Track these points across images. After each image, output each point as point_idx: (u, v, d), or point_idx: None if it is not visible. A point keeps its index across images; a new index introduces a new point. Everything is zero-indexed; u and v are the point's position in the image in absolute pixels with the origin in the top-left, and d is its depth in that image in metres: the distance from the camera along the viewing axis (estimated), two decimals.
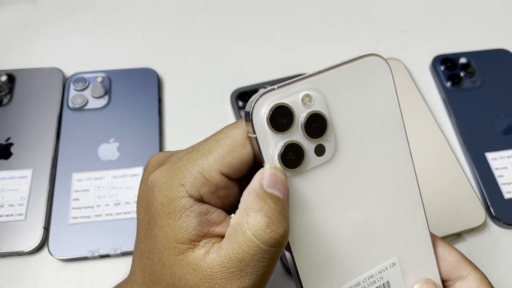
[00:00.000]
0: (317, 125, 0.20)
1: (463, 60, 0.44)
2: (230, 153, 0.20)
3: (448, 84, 0.43)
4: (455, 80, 0.43)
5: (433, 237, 0.24)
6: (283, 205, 0.19)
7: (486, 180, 0.37)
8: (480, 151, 0.39)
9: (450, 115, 0.42)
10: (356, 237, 0.22)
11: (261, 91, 0.20)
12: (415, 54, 0.46)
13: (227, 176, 0.20)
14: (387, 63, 0.21)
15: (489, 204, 0.36)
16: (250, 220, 0.19)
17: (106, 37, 0.47)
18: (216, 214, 0.21)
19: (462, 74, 0.44)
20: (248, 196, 0.19)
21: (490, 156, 0.39)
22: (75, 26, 0.48)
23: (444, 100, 0.43)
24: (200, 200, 0.20)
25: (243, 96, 0.42)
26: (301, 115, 0.20)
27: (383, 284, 0.23)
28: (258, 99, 0.19)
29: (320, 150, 0.20)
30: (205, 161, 0.20)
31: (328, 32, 0.49)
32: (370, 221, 0.22)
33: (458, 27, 0.49)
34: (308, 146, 0.20)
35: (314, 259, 0.21)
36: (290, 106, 0.19)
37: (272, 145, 0.19)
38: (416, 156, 0.38)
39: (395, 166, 0.22)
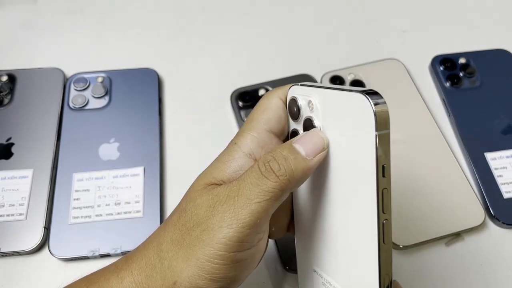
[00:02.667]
0: (311, 128, 0.23)
1: (462, 60, 0.44)
2: (265, 111, 0.25)
3: (448, 84, 0.43)
4: (455, 80, 0.43)
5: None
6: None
7: (486, 180, 0.37)
8: (480, 151, 0.39)
9: (449, 115, 0.42)
10: (328, 238, 0.24)
11: (294, 84, 0.25)
12: (415, 54, 0.46)
13: (272, 132, 0.25)
14: (372, 110, 0.19)
15: (488, 204, 0.36)
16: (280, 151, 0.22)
17: (106, 37, 0.47)
18: None
19: (461, 74, 0.44)
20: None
21: (489, 156, 0.39)
22: (75, 26, 0.48)
23: (443, 100, 0.43)
24: (251, 155, 0.24)
25: (243, 96, 0.42)
26: (304, 115, 0.24)
27: None
28: (290, 87, 0.25)
29: None
30: (251, 124, 0.25)
31: (328, 32, 0.49)
32: (333, 233, 0.23)
33: (458, 27, 0.49)
34: None
35: (306, 228, 0.26)
36: (299, 104, 0.24)
37: (289, 126, 0.26)
38: (415, 156, 0.38)
39: (356, 210, 0.21)
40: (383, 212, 0.19)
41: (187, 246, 0.22)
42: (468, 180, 0.38)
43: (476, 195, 0.37)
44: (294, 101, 0.24)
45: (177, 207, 0.24)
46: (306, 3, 0.51)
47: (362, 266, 0.21)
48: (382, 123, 0.19)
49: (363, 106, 0.19)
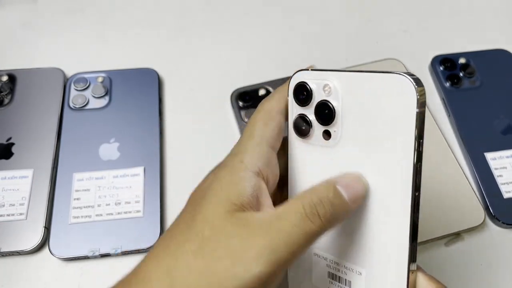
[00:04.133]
0: (327, 112, 0.22)
1: (462, 60, 0.44)
2: (268, 124, 0.24)
3: (448, 84, 0.43)
4: (455, 80, 0.43)
5: (416, 272, 0.22)
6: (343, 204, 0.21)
7: (485, 180, 0.37)
8: (480, 151, 0.39)
9: (449, 115, 0.42)
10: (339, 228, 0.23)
11: (302, 69, 0.24)
12: (415, 54, 0.46)
13: (272, 147, 0.24)
14: (414, 86, 0.20)
15: (488, 204, 0.36)
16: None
17: (106, 37, 0.47)
18: (265, 196, 0.22)
19: (461, 74, 0.44)
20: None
21: (489, 156, 0.39)
22: (75, 26, 0.48)
23: (443, 100, 0.43)
24: (259, 174, 0.22)
25: (243, 96, 0.42)
26: (317, 99, 0.23)
27: (345, 280, 0.24)
28: (295, 73, 0.24)
29: (327, 134, 0.23)
30: (255, 139, 0.23)
31: (328, 32, 0.49)
32: (347, 220, 0.23)
33: (458, 27, 0.49)
34: (318, 126, 0.23)
35: None
36: (310, 88, 0.23)
37: (293, 111, 0.24)
38: None
39: (387, 187, 0.21)
40: (416, 182, 0.21)
41: (213, 275, 0.20)
42: (468, 180, 0.38)
43: (476, 195, 0.37)
44: (303, 85, 0.23)
45: (190, 232, 0.21)
46: (305, 4, 0.51)
47: (384, 239, 0.21)
48: (422, 102, 0.20)
49: (405, 86, 0.20)
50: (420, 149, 0.21)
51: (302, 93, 0.23)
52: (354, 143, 0.22)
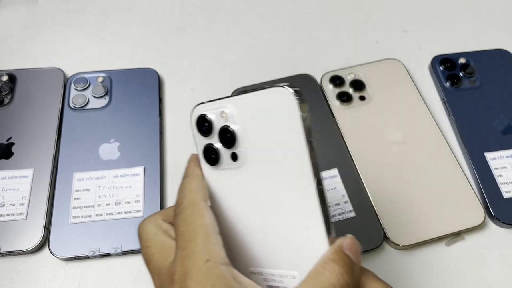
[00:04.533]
0: (229, 136, 0.24)
1: (462, 60, 0.44)
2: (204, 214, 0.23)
3: (447, 84, 0.43)
4: (454, 80, 0.43)
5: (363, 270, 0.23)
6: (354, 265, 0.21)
7: (485, 180, 0.37)
8: (480, 151, 0.39)
9: (449, 115, 0.42)
10: (260, 237, 0.24)
11: (199, 103, 0.25)
12: (414, 54, 0.46)
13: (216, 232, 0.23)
14: (294, 95, 0.22)
15: (488, 204, 0.36)
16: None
17: (106, 37, 0.47)
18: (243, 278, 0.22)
19: (461, 74, 0.44)
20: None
21: (489, 156, 0.39)
22: (76, 26, 0.48)
23: (443, 100, 0.43)
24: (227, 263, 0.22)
25: None
26: (218, 127, 0.25)
27: (282, 287, 0.24)
28: (194, 108, 0.26)
29: (234, 157, 0.24)
30: (201, 236, 0.22)
31: (328, 32, 0.49)
32: (269, 229, 0.24)
33: (458, 27, 0.49)
34: (225, 151, 0.25)
35: (229, 237, 0.25)
36: (209, 118, 0.25)
37: (200, 144, 0.25)
38: (415, 156, 0.38)
39: (294, 190, 0.23)
40: (317, 177, 0.22)
41: None
42: (468, 180, 0.38)
43: (476, 195, 0.37)
44: (203, 117, 0.25)
45: None
46: (306, 4, 0.51)
47: (304, 234, 0.23)
48: (303, 107, 0.22)
49: (284, 95, 0.22)
50: (313, 149, 0.22)
51: (204, 124, 0.25)
52: (258, 159, 0.24)
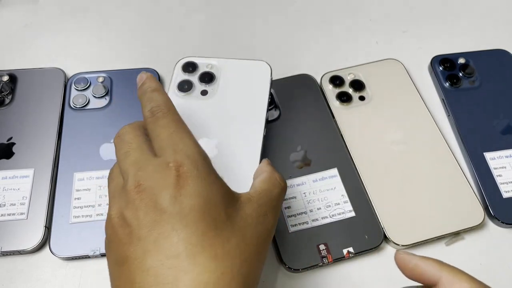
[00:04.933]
0: (207, 78, 0.35)
1: (461, 61, 0.44)
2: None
3: (447, 84, 0.43)
4: (454, 80, 0.43)
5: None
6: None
7: (485, 180, 0.38)
8: (479, 151, 0.39)
9: (449, 115, 0.42)
10: (212, 154, 0.32)
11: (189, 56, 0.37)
12: (414, 54, 0.46)
13: None
14: (271, 71, 0.35)
15: (488, 204, 0.37)
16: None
17: (107, 37, 0.48)
18: None
19: (460, 74, 0.44)
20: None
21: (488, 155, 0.39)
22: (76, 26, 0.48)
23: (443, 100, 0.43)
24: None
25: None
26: (201, 70, 0.36)
27: None
28: (184, 57, 0.37)
29: (204, 92, 0.35)
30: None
31: (328, 32, 0.49)
32: (221, 149, 0.32)
33: (458, 27, 0.49)
34: (199, 86, 0.35)
35: None
36: (197, 62, 0.36)
37: (178, 78, 0.36)
38: (414, 156, 0.39)
39: (248, 132, 0.32)
40: (266, 126, 0.33)
41: None
42: (467, 180, 0.38)
43: (475, 194, 0.37)
44: (191, 62, 0.36)
45: None
46: (306, 4, 0.51)
47: (247, 157, 0.31)
48: (271, 77, 0.35)
49: (264, 66, 0.36)
50: (270, 101, 0.34)
51: (189, 66, 0.36)
52: (224, 97, 0.34)
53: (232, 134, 0.33)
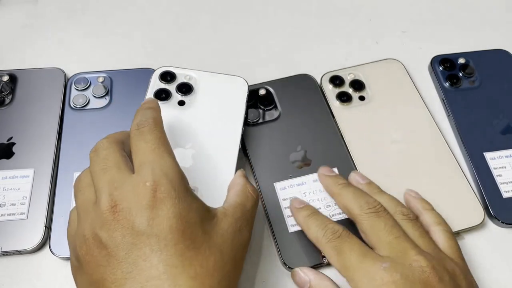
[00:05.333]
0: (185, 89, 0.38)
1: (461, 61, 0.45)
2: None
3: (447, 84, 0.43)
4: (454, 80, 0.43)
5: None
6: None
7: (485, 180, 0.38)
8: (479, 151, 0.39)
9: (449, 115, 0.42)
10: (188, 161, 0.34)
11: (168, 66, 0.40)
12: (414, 55, 0.47)
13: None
14: (247, 87, 0.38)
15: (487, 203, 0.37)
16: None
17: (107, 37, 0.48)
18: None
19: (460, 74, 0.44)
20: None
21: (488, 155, 0.39)
22: (76, 26, 0.49)
23: (443, 100, 0.43)
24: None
25: None
26: (179, 80, 0.38)
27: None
28: (162, 66, 0.39)
29: (181, 103, 0.37)
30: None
31: (328, 32, 0.49)
32: (197, 157, 0.34)
33: (457, 28, 0.49)
34: (176, 96, 0.37)
35: None
36: (175, 73, 0.39)
37: (155, 87, 0.38)
38: (414, 156, 0.39)
39: (224, 145, 0.35)
40: (242, 138, 0.36)
41: None
42: (467, 180, 0.38)
43: (475, 194, 0.37)
44: (170, 72, 0.38)
45: None
46: (306, 4, 0.51)
47: (223, 166, 0.34)
48: (248, 93, 0.38)
49: (241, 82, 0.38)
50: (246, 115, 0.38)
51: (168, 76, 0.38)
52: (201, 109, 0.37)
53: (208, 145, 0.34)
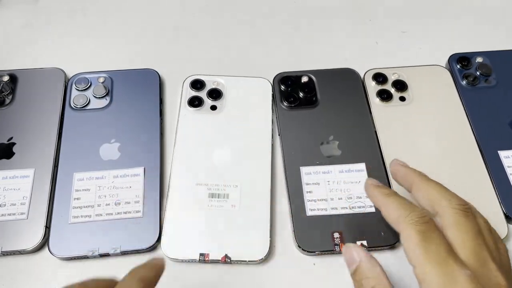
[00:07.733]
0: (215, 95, 0.44)
1: (479, 59, 0.47)
2: None
3: (464, 82, 0.46)
4: (470, 79, 0.46)
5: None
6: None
7: (498, 177, 0.40)
8: (493, 149, 0.42)
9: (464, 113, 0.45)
10: (218, 161, 0.41)
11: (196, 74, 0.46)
12: (414, 55, 0.50)
13: None
14: (272, 86, 0.45)
15: (500, 202, 0.39)
16: None
17: (108, 38, 0.51)
18: None
19: (477, 73, 0.47)
20: None
21: (503, 154, 0.42)
22: (76, 26, 0.52)
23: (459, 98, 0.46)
24: None
25: None
26: (208, 87, 0.45)
27: (224, 194, 0.39)
28: (191, 75, 0.46)
29: (213, 107, 0.44)
30: None
31: (328, 32, 0.52)
32: (229, 156, 0.41)
33: (457, 28, 0.53)
34: (208, 102, 0.44)
35: (184, 161, 0.42)
36: (204, 80, 0.45)
37: (187, 95, 0.45)
38: (445, 166, 0.41)
39: (257, 141, 0.42)
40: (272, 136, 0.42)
41: None
42: (496, 195, 0.40)
43: (502, 208, 0.39)
44: (199, 80, 0.45)
45: None
46: (306, 4, 0.54)
47: (254, 168, 0.41)
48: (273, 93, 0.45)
49: (265, 83, 0.46)
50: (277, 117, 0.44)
51: (198, 83, 0.45)
52: (232, 112, 0.43)
53: (243, 145, 0.42)
